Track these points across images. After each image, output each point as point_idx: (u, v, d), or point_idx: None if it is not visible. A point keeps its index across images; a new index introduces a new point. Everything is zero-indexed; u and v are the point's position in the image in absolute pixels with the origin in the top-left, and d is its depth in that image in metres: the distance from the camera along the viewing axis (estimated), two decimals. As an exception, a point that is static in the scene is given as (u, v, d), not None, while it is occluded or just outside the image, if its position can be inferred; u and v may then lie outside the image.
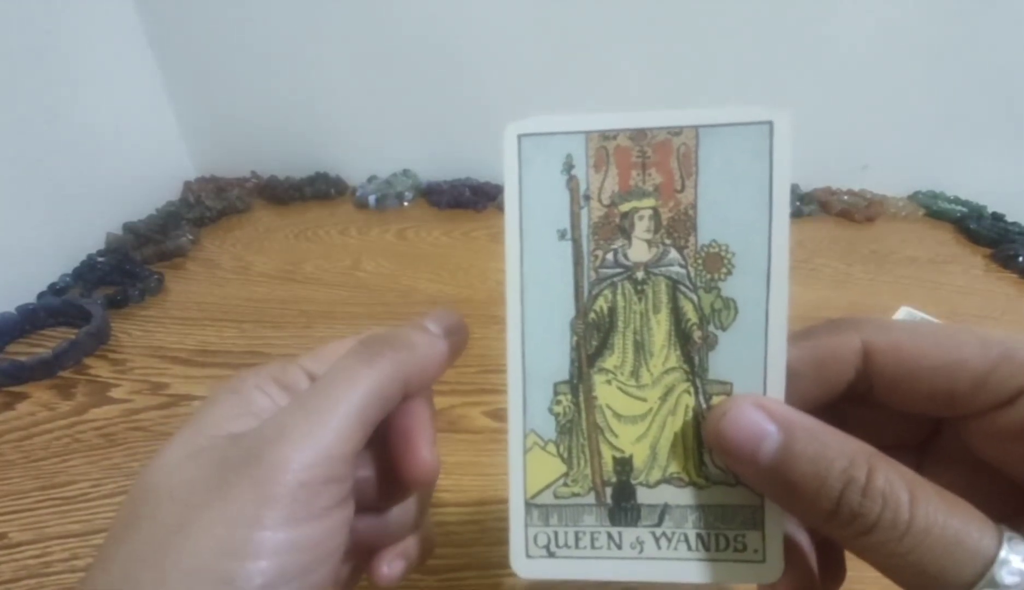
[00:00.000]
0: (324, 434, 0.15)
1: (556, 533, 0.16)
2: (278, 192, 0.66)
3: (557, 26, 0.62)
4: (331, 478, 0.15)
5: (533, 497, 0.16)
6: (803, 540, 0.18)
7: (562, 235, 0.16)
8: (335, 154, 0.69)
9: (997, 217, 0.71)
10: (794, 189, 0.72)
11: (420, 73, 0.64)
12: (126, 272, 0.49)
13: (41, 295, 0.46)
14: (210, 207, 0.61)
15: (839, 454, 0.14)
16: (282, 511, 0.14)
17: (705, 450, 0.16)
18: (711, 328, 0.16)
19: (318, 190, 0.67)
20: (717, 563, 0.16)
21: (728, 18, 0.62)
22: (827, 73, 0.66)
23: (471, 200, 0.66)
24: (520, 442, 0.16)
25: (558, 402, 0.16)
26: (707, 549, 0.16)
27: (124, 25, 0.58)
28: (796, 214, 0.69)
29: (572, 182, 0.16)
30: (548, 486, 0.16)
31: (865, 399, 0.17)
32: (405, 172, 0.70)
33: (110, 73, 0.55)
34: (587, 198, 0.16)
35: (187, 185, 0.66)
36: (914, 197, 0.75)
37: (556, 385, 0.16)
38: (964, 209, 0.72)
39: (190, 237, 0.55)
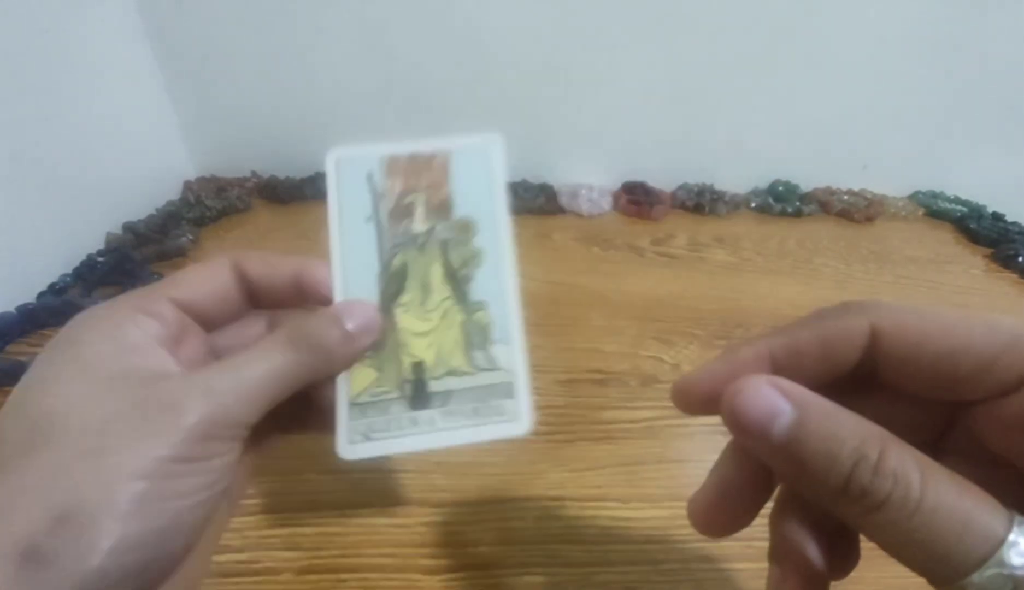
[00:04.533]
0: (238, 402, 0.18)
1: (372, 422, 0.21)
2: (278, 192, 0.66)
3: (557, 26, 0.62)
4: (233, 437, 0.18)
5: (354, 398, 0.21)
6: (802, 537, 0.18)
7: (368, 219, 0.23)
8: (335, 154, 0.69)
9: (997, 217, 0.71)
10: (794, 189, 0.72)
11: (420, 73, 0.64)
12: (126, 272, 0.49)
13: (41, 295, 0.46)
14: (210, 207, 0.61)
15: (852, 434, 0.15)
16: (190, 455, 0.17)
17: (474, 348, 0.22)
18: (468, 270, 0.22)
19: (318, 190, 0.66)
20: (485, 427, 0.21)
21: (728, 18, 0.62)
22: (827, 72, 0.66)
23: (471, 200, 0.66)
24: None
25: None
26: (478, 417, 0.21)
27: (124, 24, 0.58)
28: (796, 214, 0.69)
29: (372, 185, 0.23)
30: (365, 389, 0.21)
31: (871, 384, 0.18)
32: (405, 172, 0.70)
33: (110, 72, 0.55)
34: (382, 196, 0.23)
35: (187, 185, 0.66)
36: (914, 197, 0.75)
37: None
38: (964, 209, 0.72)
39: (190, 237, 0.55)
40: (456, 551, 0.29)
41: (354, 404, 0.21)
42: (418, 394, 0.21)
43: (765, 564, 0.30)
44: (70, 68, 0.50)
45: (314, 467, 0.33)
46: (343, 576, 0.27)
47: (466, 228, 0.23)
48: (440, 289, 0.22)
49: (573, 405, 0.39)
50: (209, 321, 0.22)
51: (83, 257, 0.50)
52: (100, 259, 0.50)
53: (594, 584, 0.28)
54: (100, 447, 0.15)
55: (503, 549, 0.29)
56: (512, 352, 0.22)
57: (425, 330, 0.22)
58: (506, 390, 0.21)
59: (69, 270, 0.49)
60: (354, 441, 0.21)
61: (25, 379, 0.17)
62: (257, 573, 0.27)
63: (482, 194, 0.23)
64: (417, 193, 0.23)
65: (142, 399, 0.17)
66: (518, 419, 0.21)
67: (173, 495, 0.16)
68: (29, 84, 0.46)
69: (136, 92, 0.60)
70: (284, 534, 0.29)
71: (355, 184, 0.23)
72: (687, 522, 0.32)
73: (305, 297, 0.22)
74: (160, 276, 0.48)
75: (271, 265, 0.22)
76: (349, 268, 0.22)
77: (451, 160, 0.24)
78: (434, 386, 0.21)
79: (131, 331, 0.18)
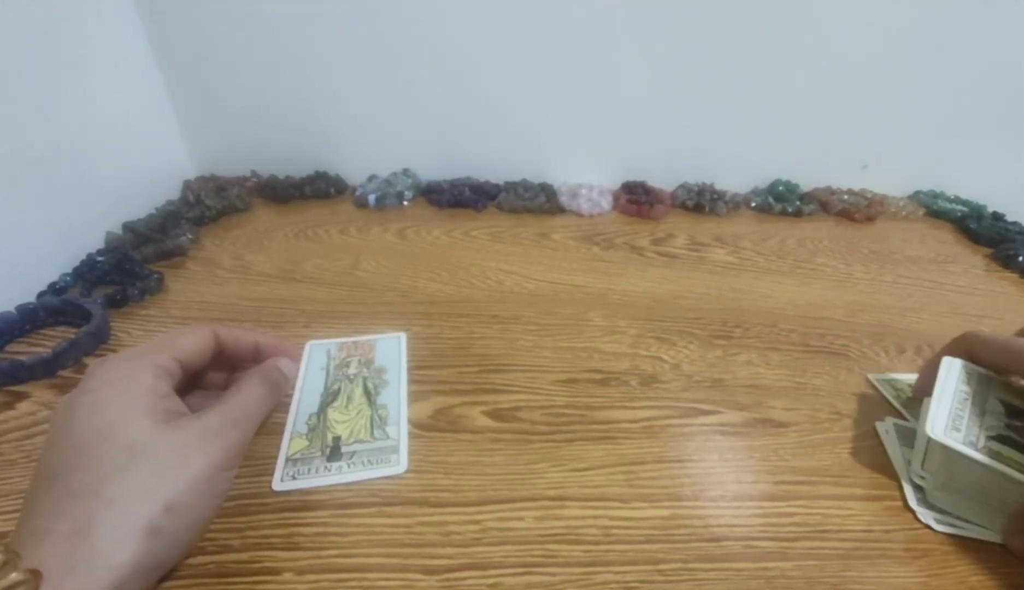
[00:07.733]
0: (250, 426, 0.29)
1: (299, 470, 0.32)
2: (278, 191, 0.66)
3: (558, 24, 0.62)
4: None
5: (290, 455, 0.33)
6: None
7: (321, 369, 0.40)
8: (335, 153, 0.69)
9: (997, 217, 0.71)
10: (794, 188, 0.72)
11: (420, 72, 0.64)
12: (126, 271, 0.49)
13: (41, 294, 0.46)
14: (210, 206, 0.61)
15: None
16: (227, 465, 0.27)
17: (375, 428, 0.35)
18: (379, 389, 0.38)
19: (318, 189, 0.67)
20: (376, 468, 0.33)
21: (729, 19, 0.62)
22: (827, 72, 0.66)
23: (471, 199, 0.66)
24: (290, 434, 0.35)
25: (309, 419, 0.36)
26: (373, 465, 0.33)
27: (124, 24, 0.58)
28: (796, 214, 0.69)
29: (329, 354, 0.41)
30: (299, 451, 0.34)
31: None
32: (405, 171, 0.69)
33: (110, 72, 0.55)
34: (333, 358, 0.41)
35: (187, 184, 0.66)
36: (914, 197, 0.75)
37: (308, 414, 0.36)
38: (964, 209, 0.72)
39: (190, 236, 0.55)
40: (456, 551, 0.29)
41: (289, 459, 0.33)
42: (333, 453, 0.34)
43: (765, 564, 0.30)
44: (70, 68, 0.50)
45: (314, 467, 0.33)
46: (343, 576, 0.27)
47: (381, 371, 0.40)
48: (359, 399, 0.37)
49: (573, 405, 0.39)
50: (189, 370, 0.30)
51: (83, 256, 0.50)
52: (100, 258, 0.50)
53: (594, 584, 0.28)
54: (183, 462, 0.24)
55: (503, 549, 0.29)
56: (399, 431, 0.35)
57: (344, 419, 0.36)
58: (393, 448, 0.34)
59: (69, 269, 0.49)
60: (285, 480, 0.32)
61: (91, 422, 0.24)
62: (257, 573, 0.27)
63: (392, 357, 0.41)
64: (354, 356, 0.41)
65: (197, 431, 0.25)
66: (399, 464, 0.33)
67: (221, 490, 0.26)
68: (29, 84, 0.46)
69: (136, 92, 0.60)
70: (284, 534, 0.29)
71: (320, 353, 0.41)
72: (687, 522, 0.32)
73: (260, 358, 0.33)
74: (160, 275, 0.48)
75: (236, 336, 0.32)
76: (306, 389, 0.38)
77: (376, 344, 0.42)
78: (345, 449, 0.34)
79: (159, 386, 0.26)
